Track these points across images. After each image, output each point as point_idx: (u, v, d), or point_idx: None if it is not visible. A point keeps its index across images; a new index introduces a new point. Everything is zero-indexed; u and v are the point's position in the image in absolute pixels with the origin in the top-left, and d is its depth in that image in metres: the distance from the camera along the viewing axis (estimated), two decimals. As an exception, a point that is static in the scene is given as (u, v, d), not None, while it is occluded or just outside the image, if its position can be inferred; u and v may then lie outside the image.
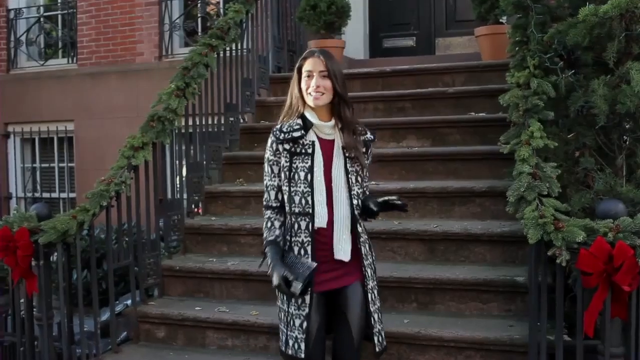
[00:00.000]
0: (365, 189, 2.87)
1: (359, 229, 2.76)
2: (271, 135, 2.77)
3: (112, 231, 3.91)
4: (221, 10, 7.19)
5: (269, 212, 2.81)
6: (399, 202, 2.79)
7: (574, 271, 2.84)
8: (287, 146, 2.72)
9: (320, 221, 2.69)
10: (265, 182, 2.81)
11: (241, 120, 5.36)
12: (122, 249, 3.99)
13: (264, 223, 2.81)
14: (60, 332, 3.71)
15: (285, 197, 2.74)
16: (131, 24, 7.65)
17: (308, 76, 2.72)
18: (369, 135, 2.86)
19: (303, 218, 2.70)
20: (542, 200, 2.90)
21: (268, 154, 2.78)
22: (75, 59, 8.07)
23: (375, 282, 2.85)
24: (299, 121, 2.74)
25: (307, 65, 2.73)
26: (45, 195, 8.18)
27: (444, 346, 3.37)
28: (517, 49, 3.92)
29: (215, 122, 5.06)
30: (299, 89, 2.75)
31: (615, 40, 3.23)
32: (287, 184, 2.72)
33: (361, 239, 2.78)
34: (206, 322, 3.86)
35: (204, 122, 4.88)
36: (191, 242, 4.57)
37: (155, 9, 7.53)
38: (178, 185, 4.63)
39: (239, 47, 5.32)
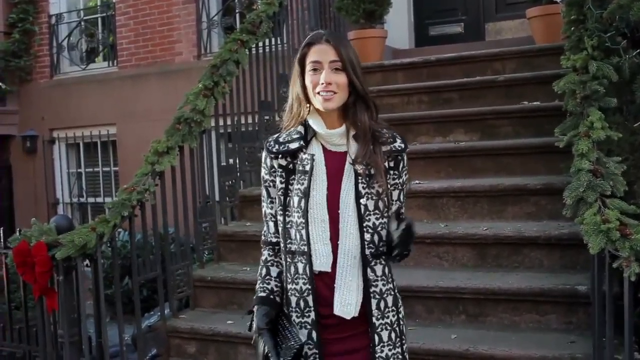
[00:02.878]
0: (397, 217, 2.03)
1: (371, 275, 2.00)
2: (264, 147, 2.12)
3: (137, 242, 3.70)
4: (260, 6, 6.95)
5: (266, 251, 2.15)
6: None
7: (646, 283, 2.44)
8: (282, 162, 2.06)
9: (322, 262, 1.99)
10: (262, 210, 2.17)
11: (277, 119, 5.08)
12: (148, 260, 3.77)
13: (259, 267, 2.17)
14: (85, 349, 3.51)
15: (280, 229, 2.08)
16: (169, 24, 7.51)
17: (314, 69, 2.00)
18: (397, 144, 2.06)
19: (300, 258, 2.01)
20: (605, 201, 2.51)
21: (263, 172, 2.13)
22: (115, 62, 7.99)
23: (400, 349, 2.05)
24: (300, 128, 2.06)
25: (313, 55, 2.01)
26: (91, 200, 8.14)
27: (496, 366, 3.02)
28: (572, 28, 3.51)
29: (249, 121, 4.81)
30: (303, 86, 2.04)
31: (687, 12, 2.81)
32: (282, 212, 2.05)
33: (373, 289, 2.01)
34: (238, 338, 3.61)
35: (236, 122, 4.63)
36: (225, 249, 4.33)
37: (193, 7, 7.38)
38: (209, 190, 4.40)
39: (273, 42, 5.04)
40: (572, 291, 3.15)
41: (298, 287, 2.02)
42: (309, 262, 2.00)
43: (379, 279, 2.02)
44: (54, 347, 3.42)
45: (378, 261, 2.02)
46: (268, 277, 2.12)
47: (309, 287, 2.01)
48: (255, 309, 2.08)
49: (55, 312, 3.37)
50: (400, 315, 2.09)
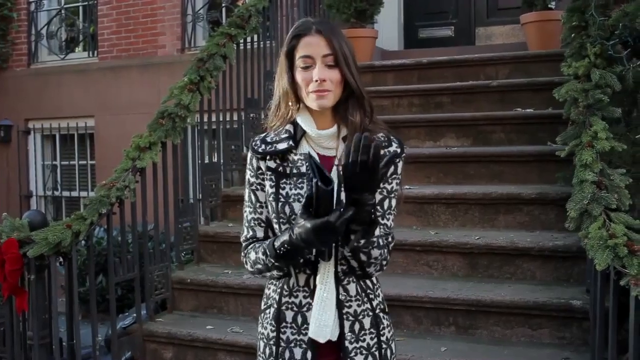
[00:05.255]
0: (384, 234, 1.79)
1: (343, 295, 1.78)
2: (250, 147, 1.89)
3: (114, 240, 3.53)
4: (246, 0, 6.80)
5: (250, 246, 1.88)
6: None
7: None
8: (272, 164, 1.82)
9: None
10: (245, 215, 1.89)
11: (263, 117, 4.93)
12: (125, 259, 3.60)
13: (246, 258, 1.86)
14: (56, 352, 3.33)
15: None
16: (153, 15, 7.30)
17: (305, 66, 1.77)
18: (393, 147, 1.81)
19: (303, 269, 1.78)
20: (610, 215, 2.41)
21: (248, 175, 1.88)
22: (95, 52, 7.75)
23: None
24: (289, 127, 1.84)
25: (303, 49, 1.78)
26: (66, 194, 7.90)
27: (488, 381, 2.91)
28: (573, 35, 3.43)
29: (235, 118, 4.65)
30: (291, 82, 1.81)
31: (695, 22, 2.72)
32: (276, 220, 1.80)
33: (346, 309, 1.79)
34: (217, 344, 3.46)
35: (221, 119, 4.48)
36: (206, 251, 4.17)
37: (178, -1, 7.17)
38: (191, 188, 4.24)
39: (262, 38, 4.90)
40: (567, 305, 3.05)
41: (297, 301, 1.80)
42: (315, 273, 1.77)
43: (353, 299, 1.80)
44: (22, 348, 3.24)
45: (351, 279, 1.80)
46: (258, 243, 1.82)
47: (310, 300, 1.78)
48: (281, 251, 1.70)
49: (25, 312, 3.20)
50: (383, 338, 1.84)
